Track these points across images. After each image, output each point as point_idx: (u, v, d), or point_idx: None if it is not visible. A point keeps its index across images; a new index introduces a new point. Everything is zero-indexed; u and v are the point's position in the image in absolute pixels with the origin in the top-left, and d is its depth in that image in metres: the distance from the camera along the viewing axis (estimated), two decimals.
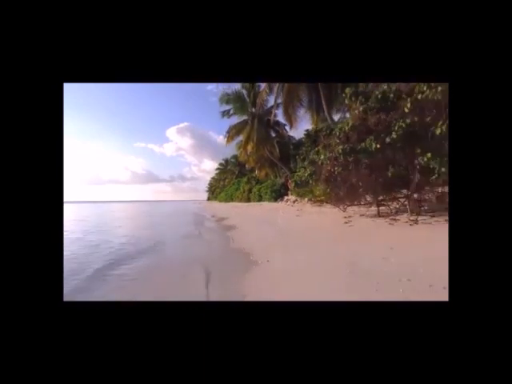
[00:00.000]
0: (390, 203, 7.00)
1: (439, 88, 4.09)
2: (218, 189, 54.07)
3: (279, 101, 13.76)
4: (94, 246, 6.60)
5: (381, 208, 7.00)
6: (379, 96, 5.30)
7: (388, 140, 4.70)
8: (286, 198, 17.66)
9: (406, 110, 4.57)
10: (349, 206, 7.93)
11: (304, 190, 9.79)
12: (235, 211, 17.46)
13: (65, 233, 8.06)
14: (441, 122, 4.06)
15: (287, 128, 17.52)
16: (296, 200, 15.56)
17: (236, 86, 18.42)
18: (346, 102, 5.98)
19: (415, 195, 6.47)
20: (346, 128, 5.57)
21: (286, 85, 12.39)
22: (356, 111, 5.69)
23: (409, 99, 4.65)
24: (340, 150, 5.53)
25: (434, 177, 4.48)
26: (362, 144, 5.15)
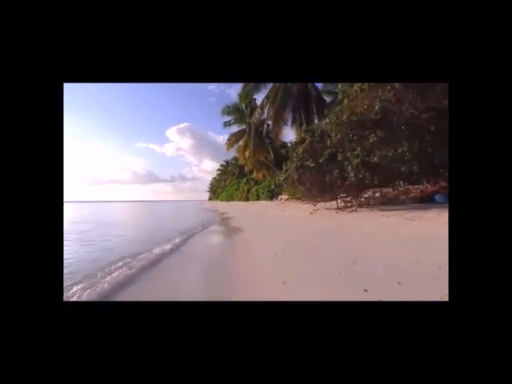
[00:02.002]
0: (347, 199, 9.61)
1: (340, 135, 7.49)
2: (219, 189, 53.88)
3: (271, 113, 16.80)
4: (174, 227, 10.22)
5: (343, 203, 9.97)
6: (319, 132, 8.73)
7: (320, 161, 8.07)
8: (280, 197, 20.88)
9: (329, 144, 7.90)
10: (319, 202, 10.41)
11: (295, 189, 13.33)
12: (235, 208, 20.76)
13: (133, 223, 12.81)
14: (341, 153, 7.29)
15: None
16: (288, 198, 18.97)
17: (235, 98, 21.89)
18: (302, 134, 9.67)
19: (360, 194, 10.12)
20: (299, 152, 8.92)
21: (273, 107, 15.68)
22: (307, 141, 8.92)
23: (329, 138, 7.94)
24: (294, 165, 9.02)
25: (346, 182, 7.58)
26: (307, 162, 8.52)
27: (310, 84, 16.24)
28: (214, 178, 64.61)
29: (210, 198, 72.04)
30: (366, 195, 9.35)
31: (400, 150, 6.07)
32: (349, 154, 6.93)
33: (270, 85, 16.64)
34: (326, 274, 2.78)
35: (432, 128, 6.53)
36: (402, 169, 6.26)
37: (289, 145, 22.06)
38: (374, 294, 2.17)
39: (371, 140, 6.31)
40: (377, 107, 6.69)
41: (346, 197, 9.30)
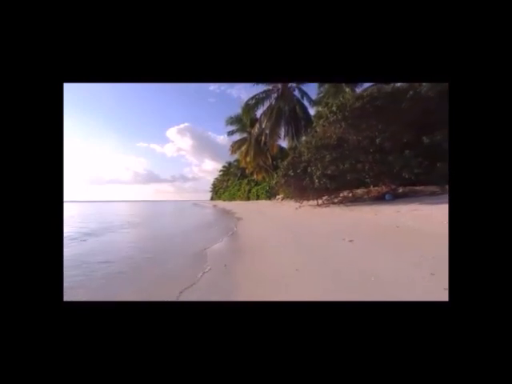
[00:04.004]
0: (324, 198, 11.60)
1: (310, 155, 10.20)
2: (221, 189, 51.33)
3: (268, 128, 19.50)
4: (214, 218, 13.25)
5: (321, 201, 11.73)
6: (298, 151, 11.53)
7: (298, 171, 10.63)
8: (277, 196, 24.80)
9: (303, 160, 10.48)
10: (305, 200, 12.16)
11: (288, 190, 17.07)
12: (238, 206, 22.85)
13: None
14: (310, 167, 9.93)
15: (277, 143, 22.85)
16: (283, 198, 20.91)
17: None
18: (288, 151, 13.19)
19: (336, 195, 13.58)
20: (285, 164, 11.57)
21: (269, 123, 19.04)
22: (289, 157, 11.84)
23: (303, 156, 10.83)
24: (281, 174, 11.63)
25: (315, 186, 9.82)
26: (289, 172, 11.03)
27: (298, 106, 19.28)
28: (216, 179, 60.63)
29: (211, 198, 67.69)
30: (342, 195, 12.87)
31: (346, 165, 8.89)
32: (313, 168, 9.71)
33: (267, 104, 19.73)
34: (287, 235, 5.16)
35: (371, 150, 9.91)
36: (348, 177, 9.65)
37: (287, 148, 25.92)
38: (309, 242, 4.21)
39: (327, 159, 9.19)
40: (334, 136, 10.09)
41: (328, 196, 11.66)
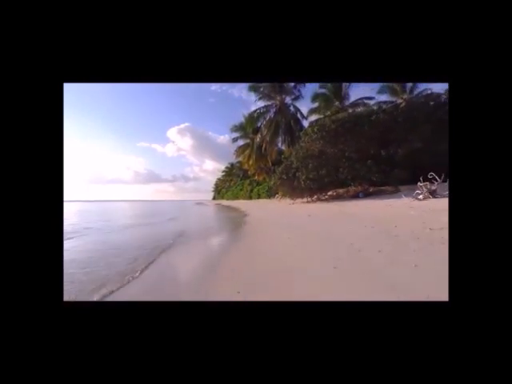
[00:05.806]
0: (313, 197, 12.61)
1: (298, 163, 11.84)
2: (224, 189, 48.93)
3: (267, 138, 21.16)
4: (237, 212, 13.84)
5: (312, 199, 12.90)
6: (289, 159, 13.11)
7: (289, 175, 12.08)
8: (276, 195, 23.64)
9: (294, 166, 12.11)
10: (298, 198, 13.16)
11: (286, 190, 20.42)
12: (241, 204, 24.24)
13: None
14: (298, 172, 11.83)
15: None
16: (281, 197, 20.10)
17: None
18: (283, 160, 16.28)
19: (324, 194, 16.61)
20: (279, 169, 13.19)
21: (269, 134, 21.52)
22: (283, 164, 13.38)
23: (293, 164, 12.54)
24: (277, 177, 13.34)
25: (302, 187, 11.12)
26: (283, 175, 12.72)
27: (292, 121, 21.11)
28: (219, 179, 56.62)
29: (214, 198, 63.14)
30: (330, 193, 16.23)
31: (323, 171, 10.76)
32: (300, 173, 11.14)
33: (267, 116, 21.67)
34: (277, 216, 7.73)
35: (344, 159, 13.23)
36: (325, 180, 12.20)
37: (283, 155, 29.74)
38: (287, 218, 6.79)
39: (310, 166, 10.96)
40: (316, 149, 13.48)
41: (316, 195, 13.15)
